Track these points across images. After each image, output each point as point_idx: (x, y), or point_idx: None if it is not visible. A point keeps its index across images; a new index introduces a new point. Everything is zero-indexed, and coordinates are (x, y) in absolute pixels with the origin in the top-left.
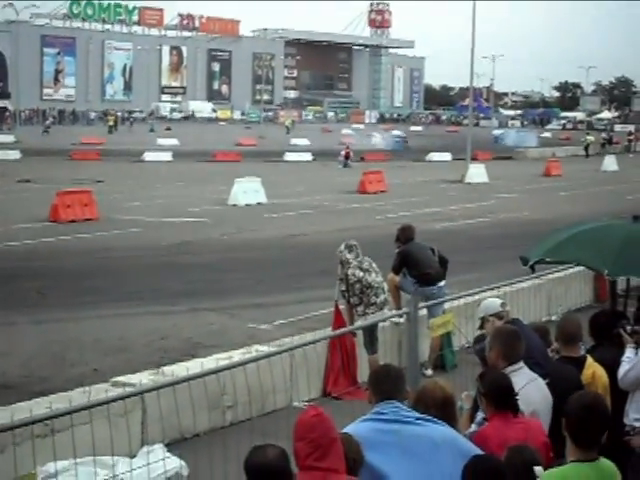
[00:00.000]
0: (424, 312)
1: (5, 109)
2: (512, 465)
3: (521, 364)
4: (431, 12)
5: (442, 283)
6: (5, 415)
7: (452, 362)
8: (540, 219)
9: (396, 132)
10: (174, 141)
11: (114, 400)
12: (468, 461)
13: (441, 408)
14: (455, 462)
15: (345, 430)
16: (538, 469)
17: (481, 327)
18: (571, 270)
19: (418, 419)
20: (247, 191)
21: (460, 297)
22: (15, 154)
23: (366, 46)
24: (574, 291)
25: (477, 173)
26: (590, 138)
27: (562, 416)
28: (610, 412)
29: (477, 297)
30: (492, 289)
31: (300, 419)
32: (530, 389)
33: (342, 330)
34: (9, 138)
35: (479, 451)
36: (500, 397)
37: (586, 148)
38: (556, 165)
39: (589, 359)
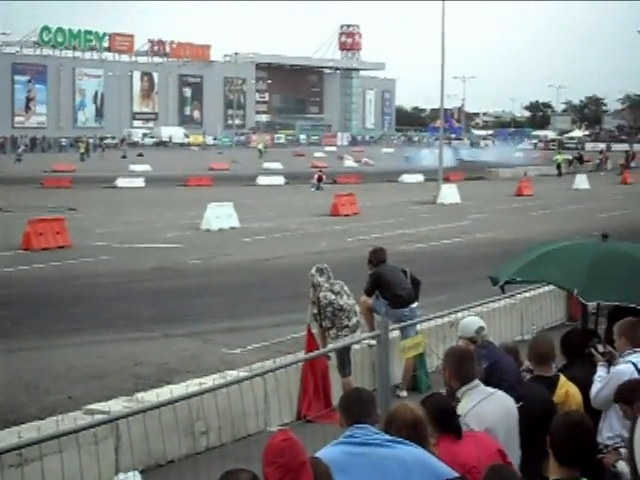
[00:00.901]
0: (397, 334)
1: None
2: None
3: (476, 382)
4: (401, 34)
5: (414, 305)
6: None
7: (427, 384)
8: (512, 239)
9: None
10: (146, 167)
11: (85, 429)
12: None
13: (412, 430)
14: None
15: (316, 454)
16: None
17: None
18: (544, 289)
19: (389, 441)
20: (220, 216)
21: (432, 318)
22: None
23: (337, 69)
24: (547, 310)
25: (449, 194)
26: (561, 157)
27: (547, 434)
28: (594, 432)
29: (449, 318)
30: (465, 309)
31: (269, 444)
32: (484, 406)
33: (314, 353)
34: None
35: (451, 471)
36: (443, 420)
37: (558, 167)
38: (527, 184)
39: (562, 378)
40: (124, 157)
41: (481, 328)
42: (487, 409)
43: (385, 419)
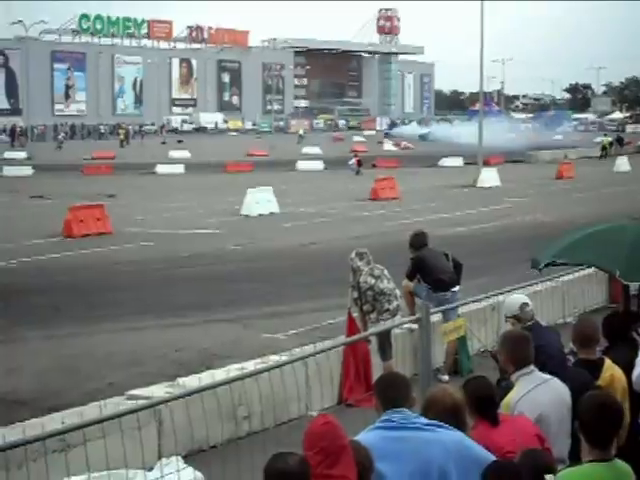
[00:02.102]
0: (438, 317)
1: (17, 126)
2: (522, 469)
3: (531, 367)
4: (440, 18)
5: (456, 288)
6: (18, 431)
7: (468, 367)
8: (553, 221)
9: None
10: (185, 153)
11: (127, 413)
12: (486, 467)
13: (451, 414)
14: (466, 467)
15: (355, 438)
16: (549, 477)
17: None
18: (585, 271)
19: (428, 425)
20: (259, 201)
21: (474, 301)
22: (28, 170)
23: (375, 53)
24: (588, 292)
25: (489, 177)
26: (606, 139)
27: (575, 418)
28: (622, 410)
29: (490, 302)
30: (506, 292)
31: (310, 428)
32: (538, 392)
33: (355, 337)
34: (22, 154)
35: (490, 455)
36: (482, 405)
37: (604, 149)
38: (568, 167)
39: (607, 361)
40: (163, 143)
41: (525, 304)
42: (540, 396)
43: (424, 403)
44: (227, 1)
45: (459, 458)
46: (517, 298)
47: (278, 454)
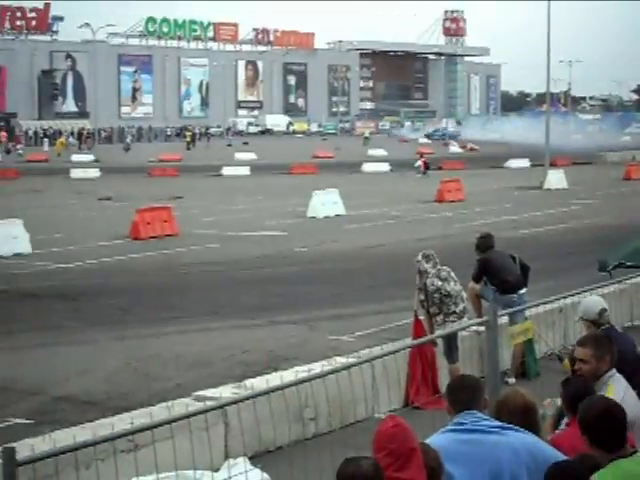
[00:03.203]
0: (505, 320)
1: (84, 129)
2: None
3: (614, 370)
4: (507, 18)
5: (523, 291)
6: (88, 431)
7: (535, 370)
8: (621, 224)
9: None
10: (251, 155)
11: (195, 414)
12: (549, 468)
13: (523, 416)
14: (537, 469)
15: (426, 441)
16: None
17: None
18: None
19: (497, 427)
20: (325, 203)
21: (540, 304)
22: (95, 172)
23: (441, 54)
24: None
25: (556, 179)
26: None
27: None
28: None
29: (557, 304)
30: (573, 295)
31: (380, 430)
32: (630, 395)
33: (422, 339)
34: (89, 157)
35: (562, 456)
36: (577, 405)
37: None
38: (637, 169)
39: None
40: (229, 146)
41: (604, 310)
42: (632, 399)
43: (496, 405)
44: (295, 1)
45: (530, 460)
46: (596, 302)
47: (350, 458)
